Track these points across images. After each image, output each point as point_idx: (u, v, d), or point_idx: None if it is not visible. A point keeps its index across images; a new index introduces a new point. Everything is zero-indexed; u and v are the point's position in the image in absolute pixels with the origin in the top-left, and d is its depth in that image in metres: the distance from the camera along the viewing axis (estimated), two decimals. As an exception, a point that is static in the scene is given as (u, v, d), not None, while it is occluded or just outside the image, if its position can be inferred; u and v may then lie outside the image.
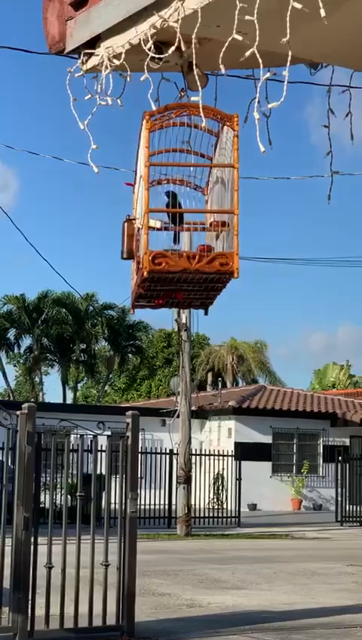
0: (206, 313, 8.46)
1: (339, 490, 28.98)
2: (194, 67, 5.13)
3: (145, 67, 5.20)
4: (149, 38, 5.16)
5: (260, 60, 4.44)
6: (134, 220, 7.91)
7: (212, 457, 27.61)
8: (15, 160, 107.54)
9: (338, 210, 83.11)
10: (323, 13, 4.23)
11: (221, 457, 27.56)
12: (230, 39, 4.50)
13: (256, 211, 69.78)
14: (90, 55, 5.78)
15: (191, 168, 7.73)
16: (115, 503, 9.20)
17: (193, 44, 4.84)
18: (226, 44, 4.56)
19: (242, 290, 69.85)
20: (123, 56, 5.44)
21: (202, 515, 26.09)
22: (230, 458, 27.57)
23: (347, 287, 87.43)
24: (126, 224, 7.91)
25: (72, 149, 61.52)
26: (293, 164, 73.69)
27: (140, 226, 7.22)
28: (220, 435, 35.50)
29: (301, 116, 79.77)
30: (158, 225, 7.20)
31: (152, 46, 5.15)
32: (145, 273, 6.93)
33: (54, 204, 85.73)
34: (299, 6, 4.25)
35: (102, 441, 9.23)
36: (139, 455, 9.60)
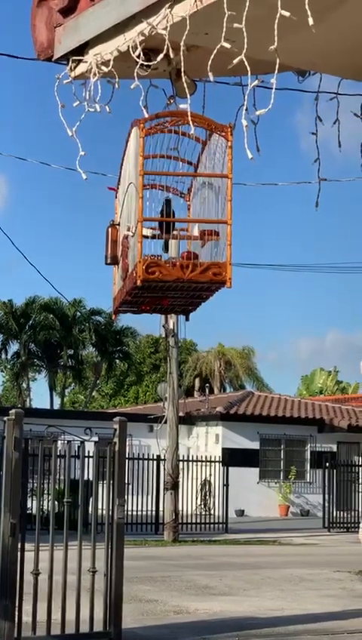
0: (187, 319, 8.48)
1: (326, 496, 29.02)
2: (182, 74, 5.13)
3: (135, 74, 5.21)
4: (138, 45, 5.16)
5: (248, 68, 4.45)
6: (118, 225, 7.91)
7: (199, 463, 27.60)
8: (3, 166, 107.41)
9: (327, 217, 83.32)
10: (311, 21, 4.25)
11: (208, 463, 27.55)
12: (218, 47, 4.51)
13: (243, 217, 69.86)
14: (79, 62, 5.78)
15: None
16: (102, 509, 9.19)
17: (181, 52, 4.85)
18: (214, 52, 4.57)
19: (230, 297, 69.89)
20: (111, 63, 5.44)
21: (189, 521, 26.07)
22: (217, 464, 27.58)
23: (336, 293, 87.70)
24: (110, 229, 7.93)
25: (60, 153, 61.49)
26: (283, 170, 73.87)
27: (130, 234, 7.22)
28: (207, 441, 35.49)
29: (290, 123, 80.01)
30: (149, 233, 7.21)
31: (141, 53, 5.16)
32: (138, 282, 6.93)
33: (42, 209, 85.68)
34: (287, 14, 4.26)
35: (90, 447, 9.22)
36: (127, 461, 9.60)
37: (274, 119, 59.41)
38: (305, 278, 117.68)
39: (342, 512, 28.97)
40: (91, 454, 9.60)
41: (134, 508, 23.78)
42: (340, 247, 76.97)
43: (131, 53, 5.21)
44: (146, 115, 6.08)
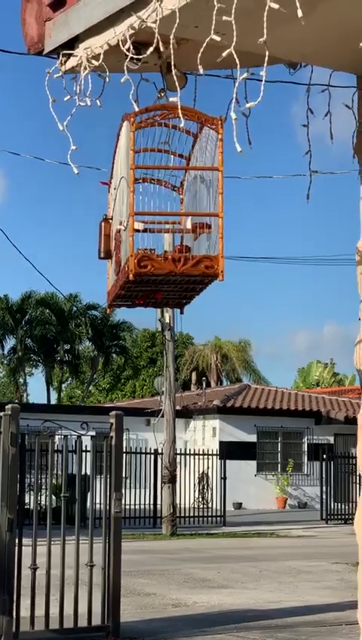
0: (182, 312, 8.47)
1: (324, 488, 29.06)
2: (172, 68, 5.12)
3: (125, 68, 5.20)
4: (128, 39, 5.15)
5: (238, 61, 4.45)
6: (111, 219, 7.91)
7: (197, 457, 27.64)
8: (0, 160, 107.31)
9: (324, 209, 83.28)
10: (300, 13, 4.24)
11: (206, 456, 27.59)
12: (208, 40, 4.51)
13: (240, 210, 69.83)
14: (69, 56, 5.77)
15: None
16: (99, 504, 9.20)
17: (171, 45, 4.84)
18: (204, 45, 4.56)
19: (226, 290, 69.92)
20: (102, 57, 5.43)
21: (187, 514, 26.10)
22: (215, 457, 27.62)
23: (333, 285, 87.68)
24: (103, 224, 7.93)
25: (55, 147, 61.37)
26: (282, 163, 73.85)
27: (122, 228, 7.22)
28: (205, 435, 35.52)
29: (287, 116, 79.91)
30: (141, 227, 7.19)
31: (131, 47, 5.15)
32: (131, 276, 6.92)
33: (37, 203, 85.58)
34: (275, 6, 4.25)
35: (87, 442, 9.23)
36: (124, 455, 9.61)
37: (271, 113, 59.36)
38: (302, 271, 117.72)
39: (339, 504, 29.02)
40: (88, 449, 9.61)
41: (132, 502, 23.80)
42: (338, 239, 76.98)
43: (121, 46, 5.20)
44: (137, 109, 6.06)
